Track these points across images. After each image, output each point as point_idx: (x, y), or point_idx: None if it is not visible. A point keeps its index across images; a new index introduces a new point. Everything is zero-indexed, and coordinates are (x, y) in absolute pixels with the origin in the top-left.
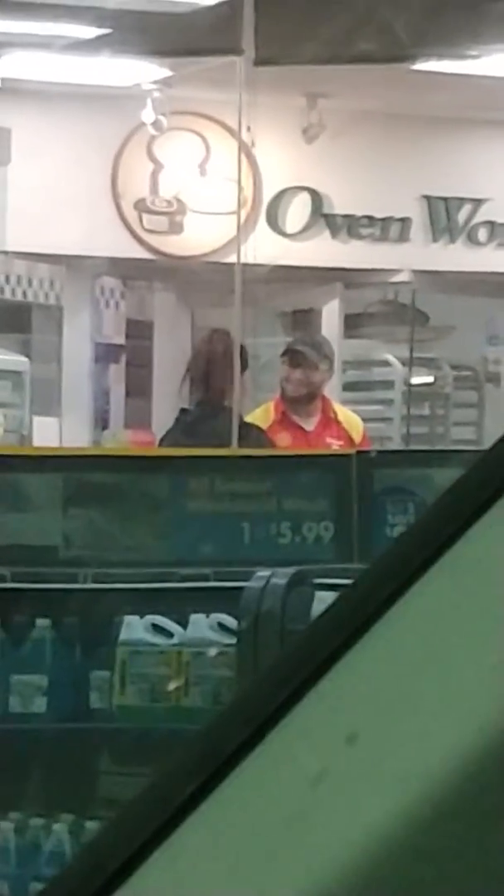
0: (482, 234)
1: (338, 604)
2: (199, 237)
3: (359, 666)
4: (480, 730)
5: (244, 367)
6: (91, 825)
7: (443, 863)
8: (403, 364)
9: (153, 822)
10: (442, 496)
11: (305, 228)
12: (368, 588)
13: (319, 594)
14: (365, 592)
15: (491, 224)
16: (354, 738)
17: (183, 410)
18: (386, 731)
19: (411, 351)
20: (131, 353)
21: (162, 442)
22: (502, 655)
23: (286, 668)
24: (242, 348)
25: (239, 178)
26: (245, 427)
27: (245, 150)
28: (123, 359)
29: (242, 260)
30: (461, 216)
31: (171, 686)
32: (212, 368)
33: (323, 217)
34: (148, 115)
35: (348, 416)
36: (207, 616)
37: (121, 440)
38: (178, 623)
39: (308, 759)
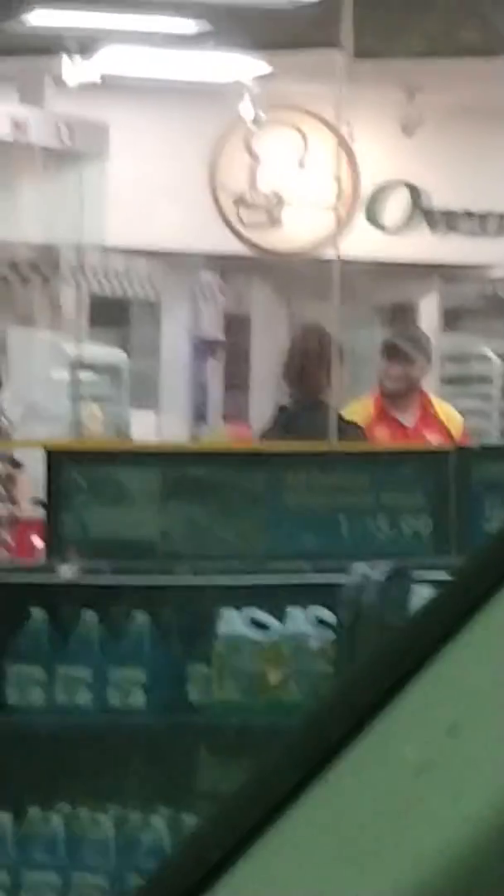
0: None
1: (438, 596)
2: (298, 232)
3: (460, 658)
4: None
5: (338, 362)
6: (188, 819)
7: None
8: (502, 359)
9: (255, 815)
10: None
11: (404, 223)
12: (469, 580)
13: (417, 588)
14: (465, 585)
15: None
16: (457, 730)
17: (281, 409)
18: (488, 722)
19: None
20: (229, 347)
21: (261, 440)
22: None
23: (388, 660)
24: (335, 343)
25: (338, 172)
26: (343, 424)
27: (343, 144)
28: (221, 353)
29: (341, 255)
30: None
31: (273, 680)
32: (306, 365)
33: (421, 212)
34: (246, 109)
35: (448, 412)
36: (305, 610)
37: (218, 434)
38: (276, 617)
39: (410, 751)
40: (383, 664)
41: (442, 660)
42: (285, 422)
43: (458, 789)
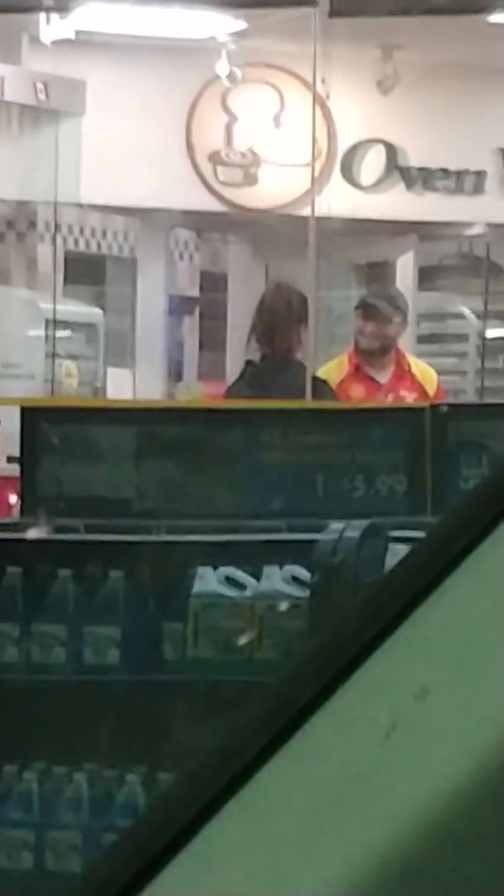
0: None
1: (407, 560)
2: (274, 189)
3: (429, 622)
4: None
5: (305, 320)
6: (164, 777)
7: None
8: (478, 317)
9: (224, 776)
10: None
11: (380, 181)
12: (438, 544)
13: (393, 547)
14: (435, 549)
15: None
16: (425, 693)
17: (248, 363)
18: (456, 686)
19: (486, 304)
20: (205, 305)
21: (227, 394)
22: None
23: (357, 623)
24: (302, 300)
25: (314, 130)
26: (313, 381)
27: (320, 102)
28: (197, 311)
29: (317, 212)
30: None
31: (243, 640)
32: (276, 322)
33: (398, 169)
34: (222, 67)
35: (422, 369)
36: (281, 568)
37: (194, 392)
38: (252, 575)
39: (379, 714)
40: (353, 627)
41: (412, 623)
42: (251, 377)
43: (426, 752)
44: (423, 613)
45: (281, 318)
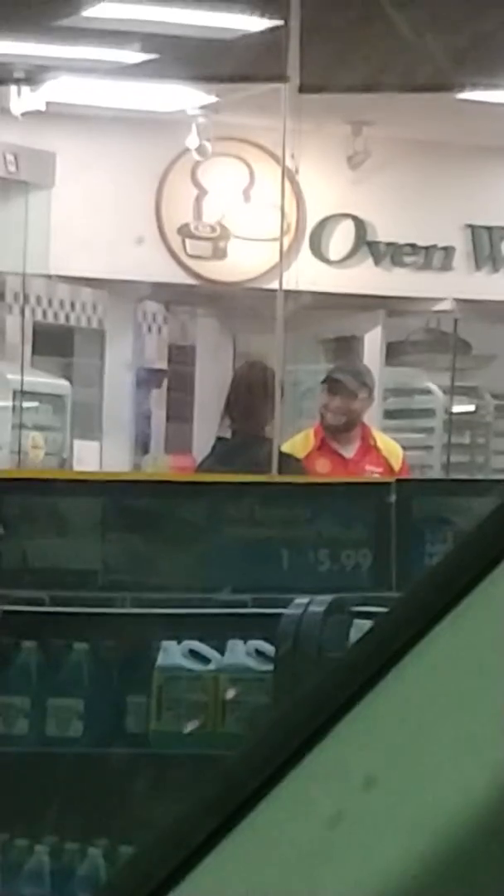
0: None
1: (356, 648)
2: (243, 263)
3: (377, 709)
4: (496, 774)
5: (279, 396)
6: (126, 850)
7: None
8: (445, 392)
9: (169, 864)
10: (468, 535)
11: (349, 256)
12: (387, 632)
13: (357, 622)
14: (384, 636)
15: None
16: (372, 782)
17: (219, 439)
18: (403, 775)
19: (453, 379)
20: (173, 378)
21: (199, 468)
22: None
23: (305, 709)
24: (275, 377)
25: (283, 204)
26: (282, 457)
27: (289, 176)
28: (165, 384)
29: (285, 286)
30: None
31: (211, 711)
32: (249, 398)
33: (366, 244)
34: (192, 140)
35: (388, 444)
36: (245, 642)
37: (161, 465)
38: (216, 649)
39: (324, 802)
40: (301, 713)
41: (360, 711)
42: (222, 454)
43: (371, 842)
44: (369, 703)
45: (257, 396)
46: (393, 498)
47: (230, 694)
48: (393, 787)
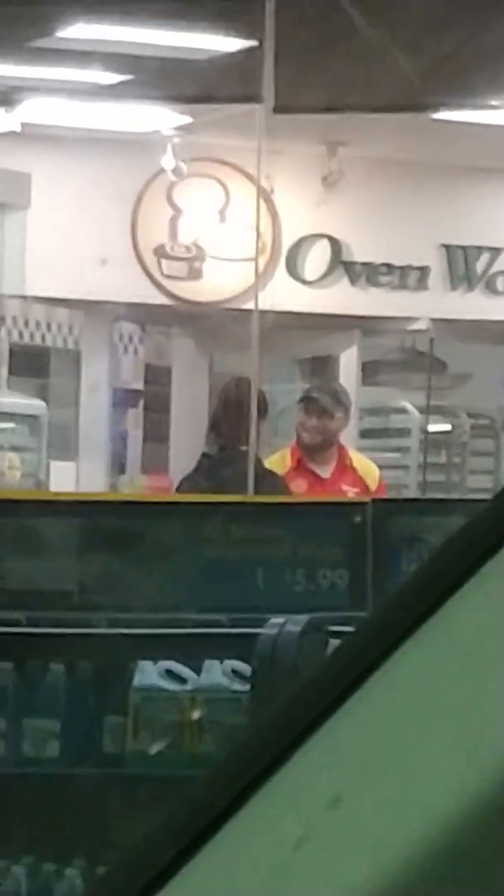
0: (500, 283)
1: (322, 666)
2: (218, 283)
3: (343, 729)
4: (460, 795)
5: (263, 413)
6: (102, 870)
7: None
8: (420, 412)
9: (136, 886)
10: (433, 556)
11: (324, 276)
12: (353, 652)
13: (333, 642)
14: (349, 657)
15: None
16: (337, 802)
17: (204, 455)
18: (368, 795)
19: (428, 399)
20: (149, 398)
21: (182, 485)
22: (482, 720)
23: (270, 730)
24: (262, 394)
25: (258, 225)
26: (264, 473)
27: (264, 196)
28: (141, 404)
29: (261, 306)
30: (479, 265)
31: (187, 732)
32: (236, 415)
33: (342, 264)
34: (168, 161)
35: (364, 464)
36: (221, 662)
37: (137, 485)
38: (192, 669)
39: (290, 823)
40: (267, 734)
41: (326, 731)
42: (207, 470)
43: (336, 862)
44: (335, 723)
45: (244, 412)
46: (369, 518)
47: (207, 714)
48: (358, 806)
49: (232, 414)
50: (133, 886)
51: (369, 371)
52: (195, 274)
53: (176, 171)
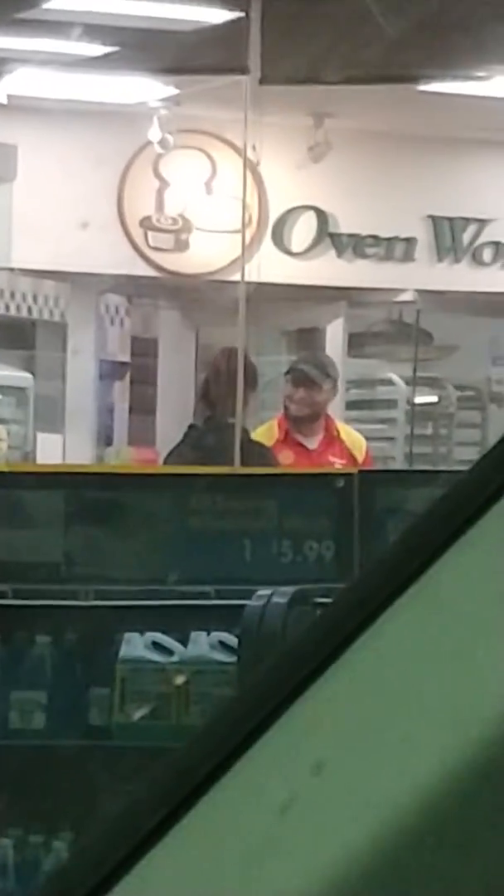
0: (487, 255)
1: (305, 633)
2: (205, 255)
3: (326, 695)
4: (444, 760)
5: (253, 385)
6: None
7: (409, 891)
8: (407, 383)
9: (120, 851)
10: (415, 523)
11: (311, 247)
12: (336, 619)
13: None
14: (332, 623)
15: (495, 244)
16: (321, 767)
17: (191, 426)
18: (352, 760)
19: (415, 370)
20: (136, 370)
21: (169, 456)
22: (464, 686)
23: (254, 697)
24: (252, 366)
25: (244, 196)
26: (251, 444)
27: (251, 168)
28: (128, 376)
29: (247, 278)
30: (466, 236)
31: (174, 703)
32: (226, 386)
33: (328, 236)
34: (154, 133)
35: (351, 435)
36: (208, 634)
37: (124, 457)
38: (179, 641)
39: (275, 788)
40: (250, 701)
41: (309, 697)
42: (195, 440)
43: (322, 827)
44: (319, 689)
45: (234, 383)
46: (356, 489)
47: (194, 686)
48: (342, 772)
49: (223, 384)
50: (118, 851)
51: (355, 343)
52: (182, 246)
53: (162, 142)
